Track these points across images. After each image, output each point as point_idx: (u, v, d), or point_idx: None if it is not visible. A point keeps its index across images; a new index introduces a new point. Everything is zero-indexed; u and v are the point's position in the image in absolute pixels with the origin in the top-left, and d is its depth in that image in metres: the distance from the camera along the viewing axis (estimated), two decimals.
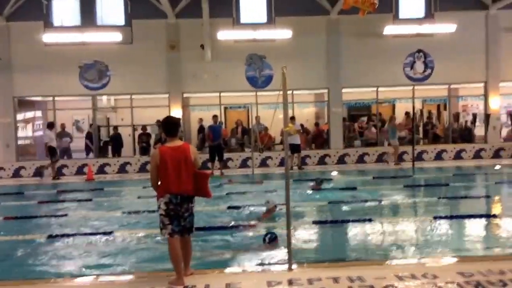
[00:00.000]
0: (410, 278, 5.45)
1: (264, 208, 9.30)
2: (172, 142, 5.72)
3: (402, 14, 19.50)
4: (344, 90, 19.43)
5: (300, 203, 10.48)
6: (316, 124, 20.44)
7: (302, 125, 19.25)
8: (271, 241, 7.10)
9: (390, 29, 18.85)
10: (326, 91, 19.66)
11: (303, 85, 18.82)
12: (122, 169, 18.68)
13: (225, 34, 18.51)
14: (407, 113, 19.89)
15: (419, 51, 19.35)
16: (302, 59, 18.79)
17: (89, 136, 19.95)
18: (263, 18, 19.26)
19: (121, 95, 20.10)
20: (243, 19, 19.24)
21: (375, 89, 19.69)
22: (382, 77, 19.20)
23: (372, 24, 18.55)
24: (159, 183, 5.63)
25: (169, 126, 5.79)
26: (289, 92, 18.31)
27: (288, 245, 5.88)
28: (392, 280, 5.38)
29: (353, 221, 8.66)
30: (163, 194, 5.56)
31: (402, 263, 6.15)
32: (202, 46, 18.52)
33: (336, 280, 5.41)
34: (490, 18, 19.32)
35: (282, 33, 18.52)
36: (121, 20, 19.28)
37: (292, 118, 17.87)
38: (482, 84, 19.77)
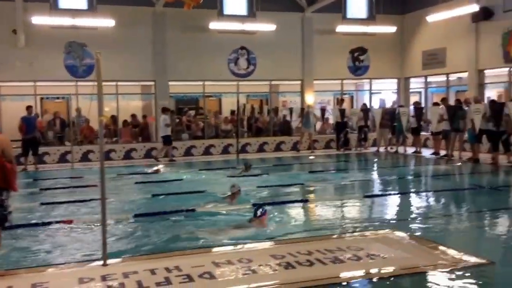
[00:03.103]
0: (226, 264, 5.58)
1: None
2: None
3: (226, 11, 19.96)
4: (171, 83, 19.32)
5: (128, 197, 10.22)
6: (144, 116, 20.07)
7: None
8: (262, 215, 7.23)
9: (215, 25, 19.17)
10: (153, 83, 19.36)
11: (128, 77, 18.36)
12: None
13: (41, 19, 17.10)
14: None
15: (242, 47, 20.04)
16: (127, 50, 18.24)
17: None
18: (84, 5, 18.20)
19: None
20: (61, 5, 17.97)
21: (202, 83, 19.92)
22: (208, 72, 19.50)
23: (197, 19, 18.72)
24: None
25: None
26: (113, 83, 17.92)
27: (104, 240, 5.62)
28: (210, 267, 5.46)
29: (175, 212, 8.61)
30: None
31: (220, 250, 6.25)
32: (14, 31, 16.94)
33: (153, 271, 5.32)
34: (306, 20, 20.73)
35: (104, 22, 17.64)
36: None
37: (166, 110, 17.32)
38: (299, 82, 21.19)
